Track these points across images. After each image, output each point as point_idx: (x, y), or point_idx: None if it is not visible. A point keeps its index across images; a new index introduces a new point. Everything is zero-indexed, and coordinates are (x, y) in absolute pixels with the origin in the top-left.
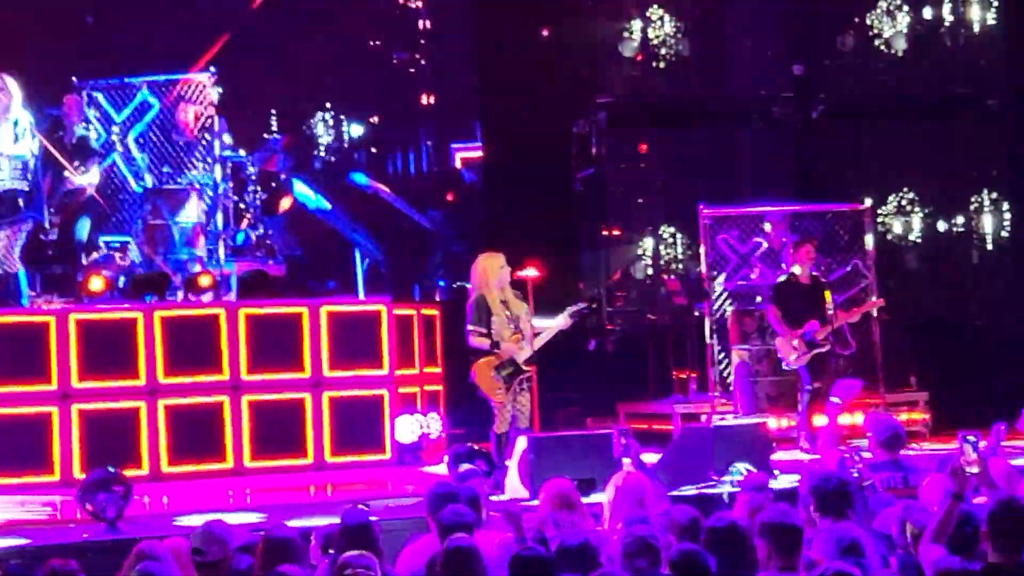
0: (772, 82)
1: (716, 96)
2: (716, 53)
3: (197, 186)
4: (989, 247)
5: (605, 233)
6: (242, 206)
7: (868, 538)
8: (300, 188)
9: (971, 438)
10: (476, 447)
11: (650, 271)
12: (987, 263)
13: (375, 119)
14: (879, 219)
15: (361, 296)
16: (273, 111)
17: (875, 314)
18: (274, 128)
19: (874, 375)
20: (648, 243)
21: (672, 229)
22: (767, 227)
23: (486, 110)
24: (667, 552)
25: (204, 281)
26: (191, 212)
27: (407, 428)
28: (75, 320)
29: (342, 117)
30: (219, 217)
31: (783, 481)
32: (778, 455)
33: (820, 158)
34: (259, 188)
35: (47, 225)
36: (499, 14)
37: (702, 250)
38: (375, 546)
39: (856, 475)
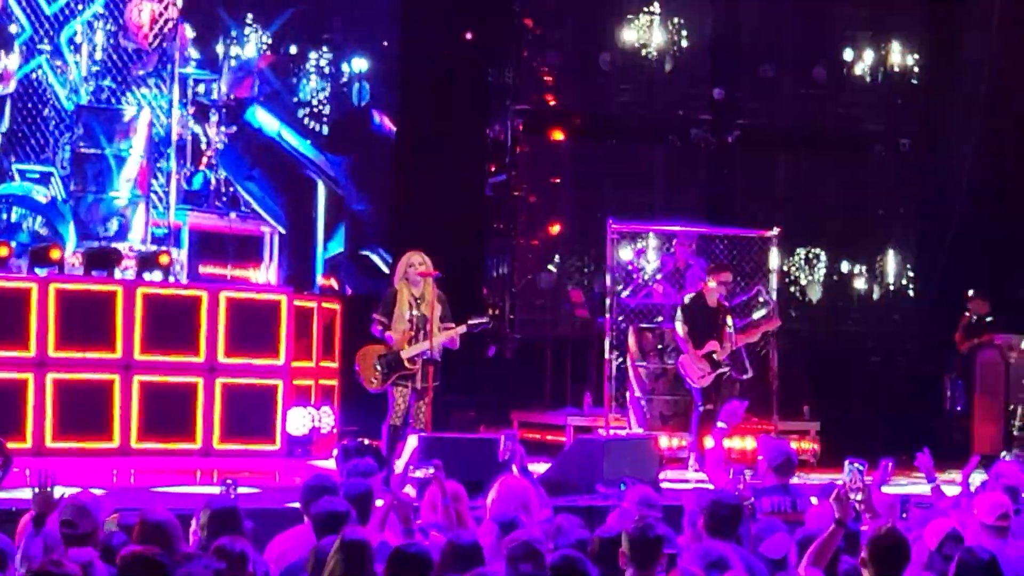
0: (690, 104)
1: (635, 113)
2: (637, 70)
3: (146, 108)
4: (891, 285)
5: (512, 241)
6: (203, 141)
7: (743, 559)
8: (262, 117)
9: (857, 465)
10: (366, 442)
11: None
12: (887, 300)
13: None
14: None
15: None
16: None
17: (772, 338)
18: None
19: (769, 402)
20: (555, 253)
21: (579, 240)
22: (673, 247)
23: (404, 107)
24: (549, 557)
25: (163, 260)
26: (136, 142)
27: (299, 420)
28: None
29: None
30: (172, 152)
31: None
32: (667, 473)
33: (732, 183)
34: (227, 119)
35: None
36: (425, 12)
37: (607, 264)
38: (241, 531)
39: (744, 497)
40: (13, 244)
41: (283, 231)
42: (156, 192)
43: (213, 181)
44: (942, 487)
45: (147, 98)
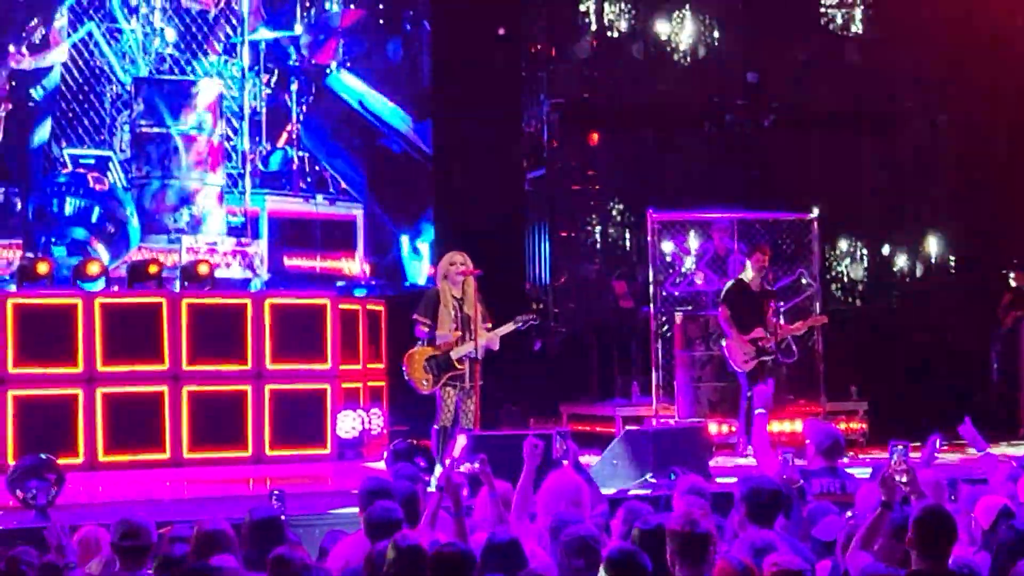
0: (726, 89)
1: (669, 100)
2: (670, 58)
3: (215, 79)
4: (932, 261)
5: (553, 235)
6: (281, 114)
7: (790, 545)
8: (350, 80)
9: (900, 447)
10: (416, 443)
11: (597, 273)
12: (929, 277)
13: None
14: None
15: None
16: None
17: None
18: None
19: (815, 384)
20: (597, 237)
21: (621, 232)
22: (715, 233)
23: (438, 104)
24: (605, 550)
25: (203, 269)
26: (205, 118)
27: (349, 423)
28: (12, 304)
29: None
30: (246, 127)
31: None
32: (718, 460)
33: (770, 166)
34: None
35: None
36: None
37: (649, 254)
38: (283, 540)
39: (792, 480)
40: (64, 249)
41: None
42: (230, 175)
43: (295, 160)
44: (991, 451)
45: (215, 67)
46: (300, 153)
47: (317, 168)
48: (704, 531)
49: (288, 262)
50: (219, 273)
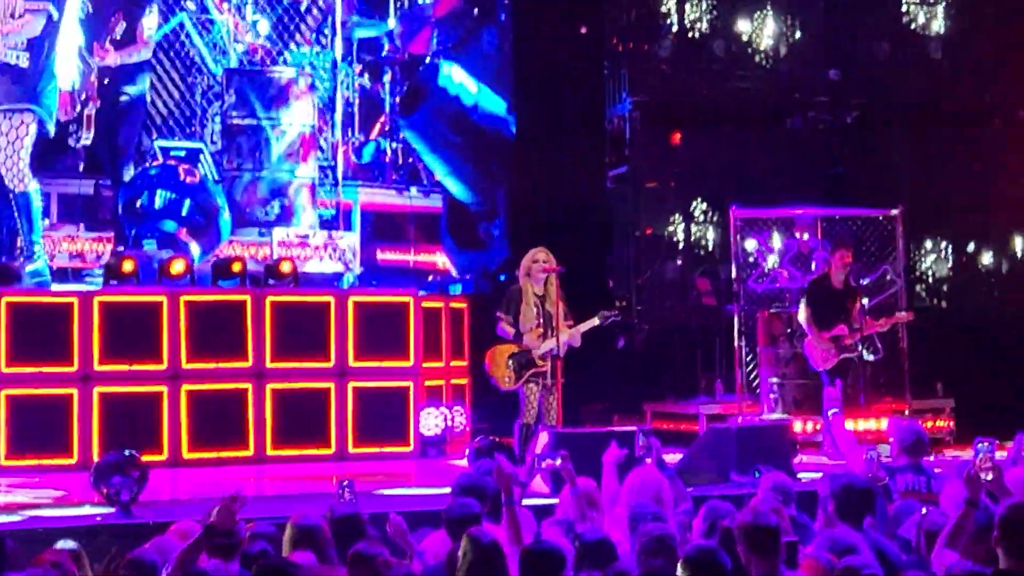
0: (807, 86)
1: (751, 98)
2: (751, 55)
3: (307, 70)
4: (1019, 257)
5: (636, 232)
6: (375, 105)
7: (877, 543)
8: (458, 75)
9: (984, 444)
10: (498, 440)
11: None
12: (1015, 274)
13: None
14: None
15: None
16: None
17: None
18: None
19: (900, 381)
20: (680, 240)
21: (703, 229)
22: (798, 231)
23: (520, 102)
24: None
25: (285, 268)
26: (297, 109)
27: (432, 421)
28: (99, 302)
29: None
30: (338, 119)
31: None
32: (802, 458)
33: (853, 164)
34: (401, 78)
35: (51, 121)
36: (537, 6)
37: (732, 251)
38: (365, 535)
39: (877, 478)
40: (155, 242)
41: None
42: (322, 167)
43: (388, 152)
44: None
45: (307, 57)
46: (393, 145)
47: (410, 160)
48: (771, 523)
49: (381, 256)
50: (310, 267)
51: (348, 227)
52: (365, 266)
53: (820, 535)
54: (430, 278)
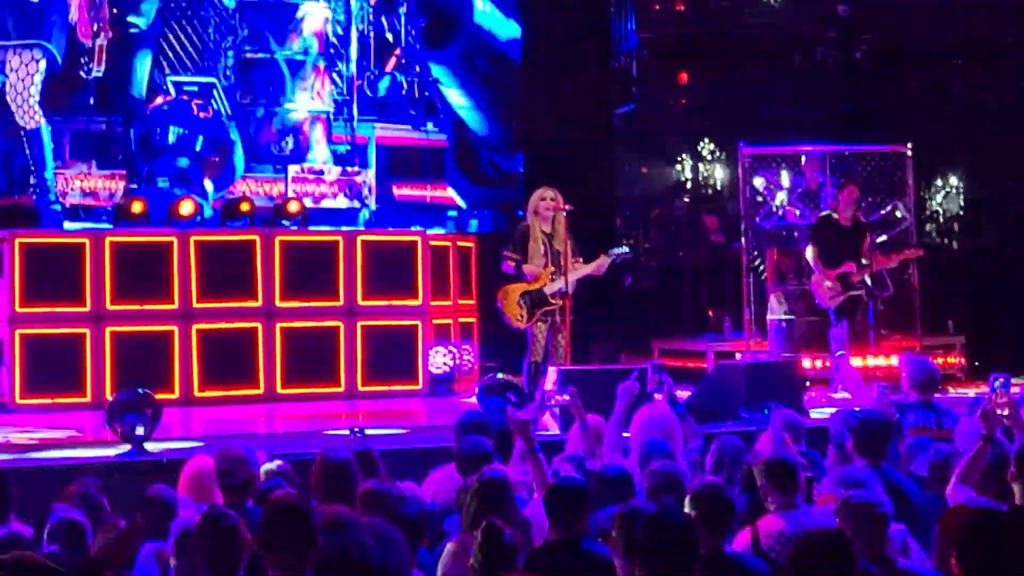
0: (816, 22)
1: (760, 34)
2: None
3: (321, 2)
4: None
5: (644, 170)
6: (390, 36)
7: (894, 478)
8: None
9: (1000, 380)
10: (507, 378)
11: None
12: None
13: None
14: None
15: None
16: None
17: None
18: None
19: (911, 318)
20: (687, 178)
21: (711, 167)
22: (806, 168)
23: (527, 38)
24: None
25: (293, 208)
26: (311, 42)
27: (440, 359)
28: (110, 242)
29: None
30: (353, 52)
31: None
32: (812, 395)
33: (863, 100)
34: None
35: (59, 57)
36: None
37: (740, 188)
38: (377, 472)
39: (888, 414)
40: (167, 179)
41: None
42: (336, 102)
43: (404, 86)
44: None
45: None
46: (409, 79)
47: (426, 94)
48: (792, 459)
49: (397, 192)
50: (325, 204)
51: (364, 163)
52: (381, 202)
53: (835, 472)
54: (450, 213)
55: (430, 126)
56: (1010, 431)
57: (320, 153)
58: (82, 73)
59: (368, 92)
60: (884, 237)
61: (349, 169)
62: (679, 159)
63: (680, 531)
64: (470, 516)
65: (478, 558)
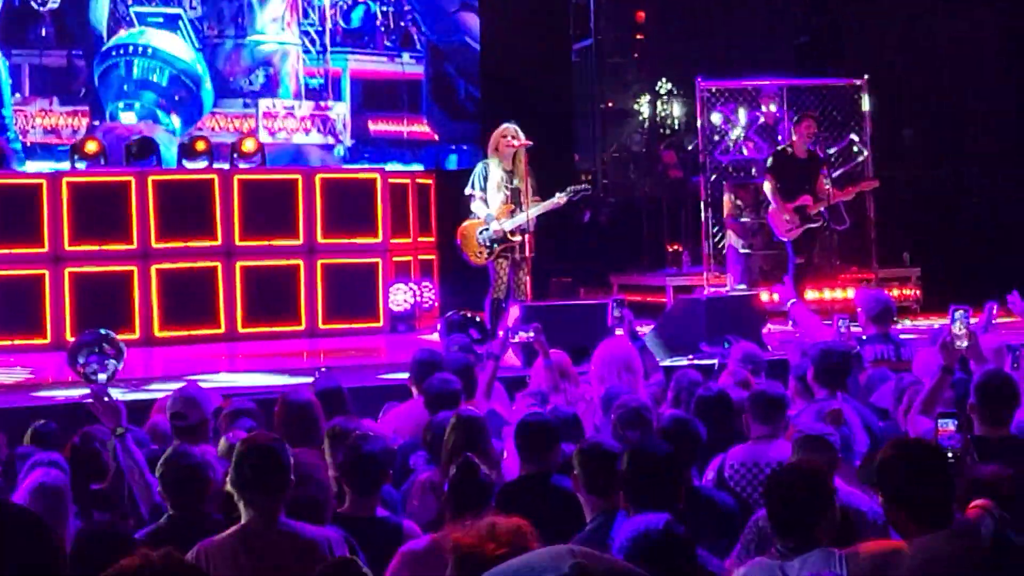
0: None
1: None
2: None
3: None
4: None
5: (601, 105)
6: None
7: (855, 410)
8: None
9: (960, 312)
10: (469, 315)
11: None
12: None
13: None
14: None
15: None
16: None
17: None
18: None
19: (867, 251)
20: (645, 114)
21: (669, 102)
22: (763, 102)
23: None
24: (659, 420)
25: (248, 145)
26: None
27: (400, 296)
28: (67, 183)
29: None
30: None
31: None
32: (771, 328)
33: (820, 32)
34: None
35: None
36: None
37: (699, 123)
38: (346, 410)
39: (848, 347)
40: (134, 114)
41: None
42: (308, 33)
43: (379, 15)
44: None
45: None
46: (384, 8)
47: (402, 24)
48: (779, 393)
49: (373, 127)
50: (297, 139)
51: (337, 96)
52: (356, 138)
53: (812, 407)
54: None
55: (406, 57)
56: (965, 364)
57: (291, 87)
58: (34, 4)
59: (341, 23)
60: (841, 171)
61: (322, 103)
62: (636, 94)
63: (663, 464)
64: (447, 453)
65: (454, 494)
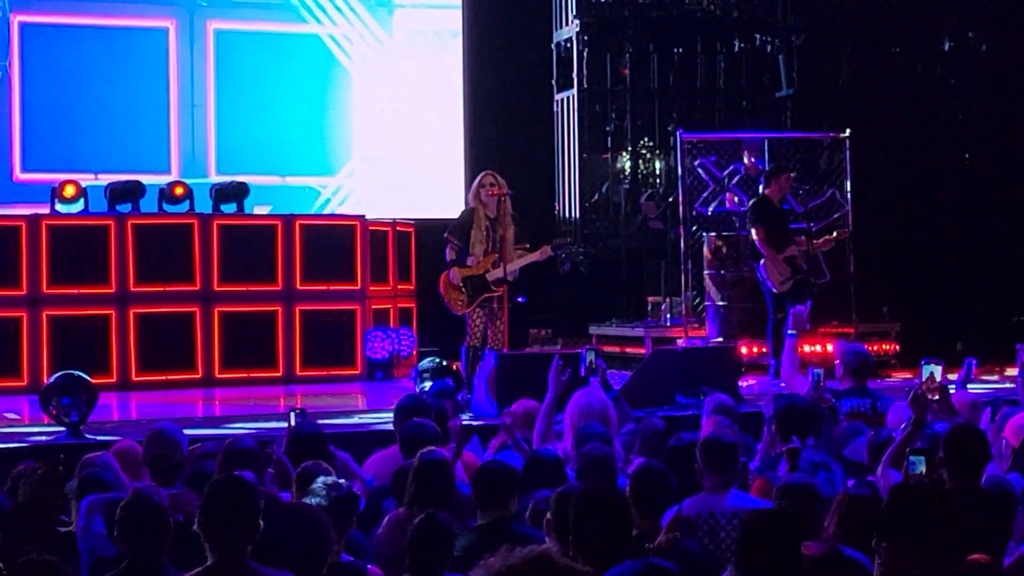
0: (755, 6)
1: (699, 18)
2: None
3: None
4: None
5: (584, 155)
6: None
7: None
8: None
9: (931, 365)
10: (444, 363)
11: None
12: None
13: None
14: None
15: None
16: None
17: (848, 243)
18: None
19: (847, 305)
20: (627, 166)
21: (650, 153)
22: (745, 154)
23: (470, 23)
24: (630, 467)
25: (179, 191)
26: None
27: (378, 344)
28: (47, 226)
29: None
30: None
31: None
32: (749, 381)
33: (801, 87)
34: None
35: None
36: None
37: (679, 175)
38: (326, 454)
39: (823, 400)
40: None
41: None
42: None
43: None
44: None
45: None
46: None
47: None
48: (731, 441)
49: None
50: None
51: None
52: None
53: (767, 456)
54: None
55: None
56: (937, 416)
57: None
58: None
59: None
60: (821, 224)
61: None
62: (618, 144)
63: (611, 508)
64: (408, 496)
65: (414, 553)
